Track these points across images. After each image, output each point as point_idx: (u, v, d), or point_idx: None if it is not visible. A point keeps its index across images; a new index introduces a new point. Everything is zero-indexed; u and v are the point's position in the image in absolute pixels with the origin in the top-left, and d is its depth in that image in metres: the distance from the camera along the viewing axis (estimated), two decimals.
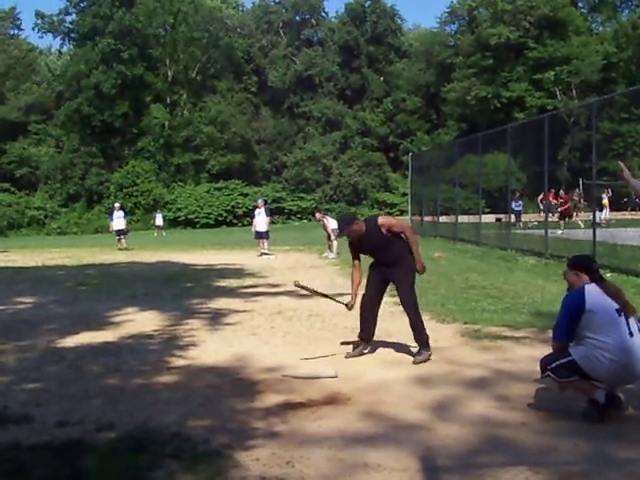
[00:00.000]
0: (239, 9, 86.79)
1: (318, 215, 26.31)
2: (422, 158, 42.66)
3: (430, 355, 8.16)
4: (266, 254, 25.67)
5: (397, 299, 9.12)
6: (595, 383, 5.89)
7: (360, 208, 63.89)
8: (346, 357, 8.44)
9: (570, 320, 5.88)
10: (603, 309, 5.77)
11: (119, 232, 32.96)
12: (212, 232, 54.12)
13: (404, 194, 58.63)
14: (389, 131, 73.55)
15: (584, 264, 6.23)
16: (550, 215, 26.42)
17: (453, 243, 28.01)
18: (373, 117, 73.14)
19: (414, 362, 8.06)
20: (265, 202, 29.67)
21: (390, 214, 65.12)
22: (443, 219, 32.91)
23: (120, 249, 31.65)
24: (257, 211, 27.34)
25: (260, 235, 26.53)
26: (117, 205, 35.37)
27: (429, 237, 31.33)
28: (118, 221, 33.34)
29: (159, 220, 51.62)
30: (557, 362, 5.92)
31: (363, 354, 8.55)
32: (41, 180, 68.14)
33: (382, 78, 74.58)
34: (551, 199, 28.99)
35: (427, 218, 35.66)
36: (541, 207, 31.15)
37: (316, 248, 27.38)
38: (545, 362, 6.06)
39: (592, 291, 5.86)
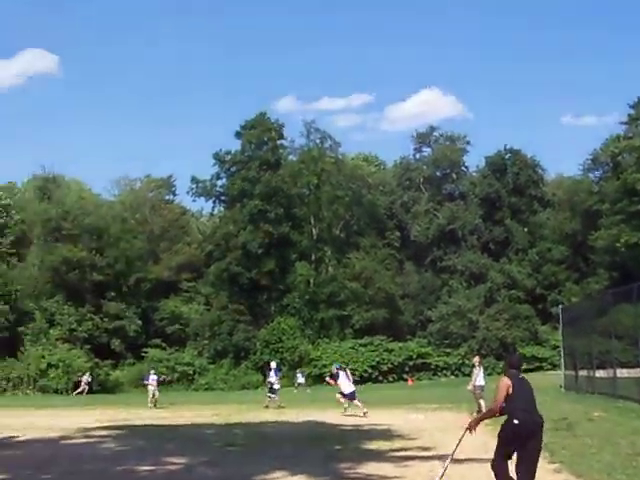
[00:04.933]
0: (380, 167, 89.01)
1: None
2: (573, 309, 41.49)
3: None
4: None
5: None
6: None
7: None
8: None
9: None
10: None
11: (272, 390, 33.05)
12: (357, 389, 53.46)
13: (555, 347, 57.00)
14: (536, 282, 72.28)
15: None
16: None
17: (613, 400, 26.40)
18: (519, 269, 72.07)
19: None
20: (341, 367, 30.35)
21: (541, 368, 63.44)
22: (600, 373, 31.10)
23: (268, 407, 31.61)
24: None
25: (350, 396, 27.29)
26: (273, 364, 35.61)
27: (585, 393, 29.92)
28: (272, 378, 33.56)
29: (300, 378, 52.38)
30: None
31: None
32: (190, 337, 69.95)
33: (526, 229, 74.03)
34: None
35: (582, 372, 33.92)
36: None
37: (465, 406, 26.63)
38: None
39: None
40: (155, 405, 34.68)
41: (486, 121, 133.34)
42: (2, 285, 60.07)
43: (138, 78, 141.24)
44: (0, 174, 79.61)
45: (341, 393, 27.77)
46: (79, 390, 55.10)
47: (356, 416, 25.50)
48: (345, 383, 27.80)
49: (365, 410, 26.09)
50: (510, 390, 9.20)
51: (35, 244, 70.25)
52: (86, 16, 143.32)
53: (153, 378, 36.39)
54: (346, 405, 27.48)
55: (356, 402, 27.12)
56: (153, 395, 35.48)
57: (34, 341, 61.20)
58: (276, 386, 33.18)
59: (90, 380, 56.45)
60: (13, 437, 20.64)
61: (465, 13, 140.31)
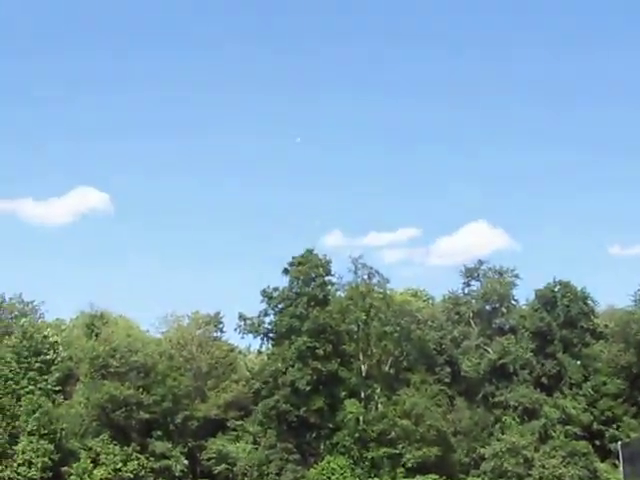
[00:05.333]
0: (429, 302, 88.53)
1: None
2: (633, 445, 39.85)
3: None
4: None
5: None
6: None
7: None
8: None
9: None
10: None
11: None
12: None
13: None
14: (592, 418, 70.23)
15: None
16: None
17: None
18: (574, 404, 70.09)
19: None
20: None
21: None
22: None
23: None
24: None
25: None
26: None
27: None
28: None
29: None
30: None
31: None
32: (238, 476, 68.41)
33: (579, 362, 72.50)
34: None
35: None
36: None
37: None
38: None
39: None
40: None
41: (534, 253, 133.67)
42: (47, 423, 59.78)
43: (186, 215, 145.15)
44: (49, 311, 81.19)
45: None
46: None
47: None
48: None
49: None
50: None
51: (82, 381, 70.26)
52: (135, 156, 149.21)
53: None
54: None
55: None
56: None
57: None
58: None
59: None
60: None
61: (508, 148, 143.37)
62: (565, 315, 73.83)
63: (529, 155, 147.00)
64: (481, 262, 79.88)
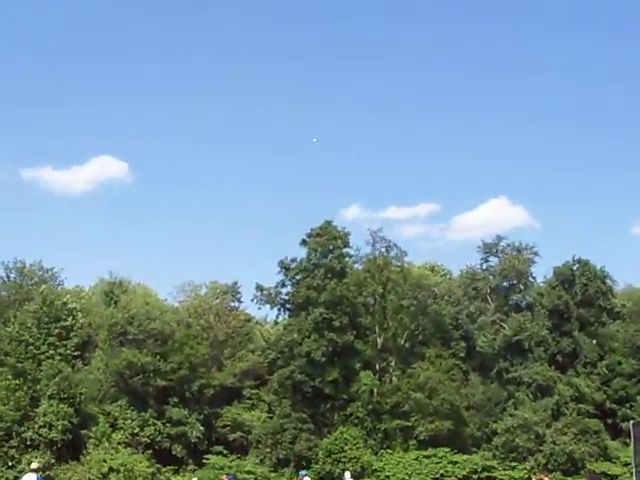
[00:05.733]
0: (447, 277, 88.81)
1: None
2: None
3: None
4: None
5: None
6: None
7: (577, 479, 60.15)
8: None
9: None
10: None
11: None
12: None
13: (626, 464, 55.12)
14: (605, 396, 70.50)
15: None
16: None
17: None
18: (587, 382, 70.34)
19: None
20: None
21: None
22: None
23: None
24: None
25: None
26: (347, 474, 35.14)
27: None
28: None
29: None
30: None
31: None
32: (252, 444, 69.18)
33: (595, 341, 72.56)
34: None
35: None
36: None
37: None
38: None
39: None
40: None
41: (554, 231, 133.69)
42: (67, 388, 60.52)
43: (204, 184, 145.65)
44: (68, 278, 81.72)
45: None
46: None
47: None
48: None
49: None
50: None
51: (100, 348, 71.07)
52: (154, 125, 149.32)
53: None
54: None
55: None
56: None
57: (96, 445, 61.27)
58: None
59: None
60: None
61: (532, 124, 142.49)
62: (583, 294, 73.75)
63: (552, 132, 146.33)
64: (500, 238, 79.81)
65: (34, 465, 20.72)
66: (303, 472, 31.98)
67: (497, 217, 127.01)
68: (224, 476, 30.18)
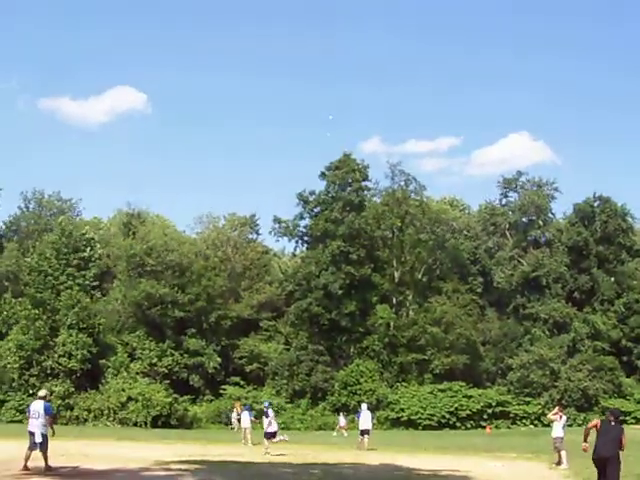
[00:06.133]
0: (465, 211, 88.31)
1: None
2: None
3: None
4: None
5: None
6: None
7: (590, 414, 60.47)
8: None
9: None
10: None
11: (363, 432, 32.77)
12: (435, 434, 52.92)
13: None
14: (621, 334, 70.49)
15: None
16: None
17: None
18: (604, 319, 70.35)
19: None
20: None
21: (624, 422, 61.59)
22: None
23: (360, 449, 31.43)
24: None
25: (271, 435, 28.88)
26: (364, 406, 35.41)
27: None
28: (365, 421, 33.29)
29: (342, 422, 53.06)
30: None
31: None
32: (269, 375, 69.88)
33: (613, 279, 72.32)
34: None
35: None
36: None
37: (545, 457, 25.88)
38: None
39: None
40: (247, 443, 34.32)
41: (575, 168, 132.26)
42: (86, 318, 60.92)
43: (224, 116, 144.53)
44: (86, 209, 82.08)
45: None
46: (232, 426, 54.50)
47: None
48: (271, 422, 28.96)
49: (268, 450, 28.00)
50: (597, 429, 14.54)
51: (118, 279, 71.51)
52: (173, 56, 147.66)
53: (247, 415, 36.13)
54: (286, 438, 29.76)
55: (274, 440, 28.73)
56: (245, 433, 35.27)
57: (115, 374, 61.85)
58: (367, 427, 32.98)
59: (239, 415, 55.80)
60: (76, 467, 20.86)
61: (555, 58, 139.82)
62: (602, 231, 73.35)
63: (574, 67, 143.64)
64: (520, 173, 79.30)
65: (41, 392, 20.91)
66: (266, 403, 32.42)
67: (518, 152, 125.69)
68: (237, 403, 30.91)
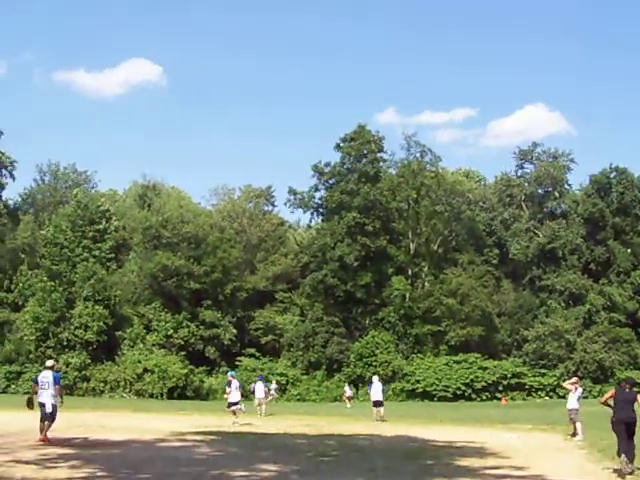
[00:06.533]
0: (481, 183, 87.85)
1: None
2: None
3: None
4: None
5: None
6: None
7: (606, 386, 60.43)
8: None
9: None
10: None
11: (376, 403, 32.96)
12: (450, 406, 53.01)
13: None
14: (638, 306, 70.17)
15: None
16: None
17: None
18: (620, 291, 70.01)
19: None
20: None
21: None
22: None
23: (376, 420, 31.61)
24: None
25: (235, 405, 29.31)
26: (376, 378, 35.64)
27: None
28: (376, 393, 33.53)
29: (349, 392, 53.55)
30: None
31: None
32: (284, 347, 70.15)
33: (629, 250, 71.87)
34: None
35: None
36: None
37: (560, 428, 25.89)
38: None
39: None
40: (262, 414, 34.49)
41: (591, 139, 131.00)
42: (101, 290, 61.25)
43: (239, 89, 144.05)
44: (102, 181, 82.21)
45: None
46: (270, 398, 55.27)
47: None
48: (235, 392, 29.37)
49: (236, 420, 28.22)
50: (614, 396, 16.12)
51: (134, 251, 71.75)
52: (189, 28, 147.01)
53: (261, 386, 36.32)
54: (243, 408, 29.70)
55: (238, 408, 29.22)
56: (259, 404, 35.48)
57: (131, 346, 62.32)
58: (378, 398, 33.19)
59: (276, 387, 56.92)
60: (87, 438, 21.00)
61: (569, 31, 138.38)
62: (619, 202, 72.74)
63: (588, 38, 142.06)
64: (536, 144, 78.71)
65: (49, 363, 20.96)
66: (231, 373, 32.89)
67: (534, 123, 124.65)
68: (229, 375, 31.20)
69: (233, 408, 29.01)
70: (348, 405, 49.97)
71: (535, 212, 76.24)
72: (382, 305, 69.57)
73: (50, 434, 19.58)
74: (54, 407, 19.72)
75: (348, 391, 53.77)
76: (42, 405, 19.68)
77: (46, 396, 19.73)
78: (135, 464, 15.17)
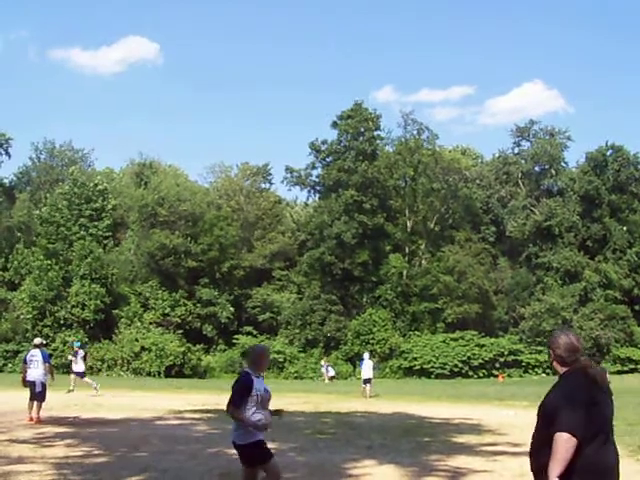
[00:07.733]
0: (478, 160, 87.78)
1: None
2: None
3: None
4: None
5: None
6: None
7: (602, 363, 60.65)
8: None
9: None
10: None
11: (366, 381, 33.21)
12: (447, 383, 53.23)
13: None
14: (633, 283, 70.35)
15: None
16: None
17: None
18: (616, 269, 70.11)
19: None
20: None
21: (635, 370, 62.14)
22: None
23: (365, 397, 31.86)
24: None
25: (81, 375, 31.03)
26: (366, 355, 35.96)
27: None
28: (367, 370, 33.81)
29: (331, 371, 54.94)
30: None
31: None
32: (282, 325, 70.25)
33: (625, 228, 71.89)
34: None
35: None
36: None
37: None
38: None
39: None
40: None
41: (588, 116, 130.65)
42: (98, 268, 61.26)
43: (236, 67, 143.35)
44: (98, 159, 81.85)
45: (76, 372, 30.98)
46: (328, 377, 56.24)
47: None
48: (80, 363, 31.15)
49: (95, 386, 29.93)
50: None
51: (131, 229, 71.69)
52: (187, 5, 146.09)
53: None
54: (95, 385, 30.43)
55: (87, 380, 30.92)
56: None
57: (128, 324, 62.37)
58: (369, 377, 33.46)
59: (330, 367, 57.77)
60: (77, 417, 21.00)
61: (567, 9, 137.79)
62: (615, 179, 72.73)
63: (586, 16, 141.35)
64: (532, 122, 78.48)
65: (37, 340, 20.98)
66: (77, 343, 33.76)
67: (531, 101, 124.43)
68: (75, 345, 32.86)
69: (86, 379, 30.98)
70: (326, 381, 50.46)
71: (532, 190, 76.23)
72: (379, 283, 69.58)
73: (46, 413, 19.58)
74: (44, 386, 19.51)
75: (331, 371, 54.24)
76: (32, 384, 19.44)
77: (36, 375, 19.59)
78: (132, 442, 15.23)
